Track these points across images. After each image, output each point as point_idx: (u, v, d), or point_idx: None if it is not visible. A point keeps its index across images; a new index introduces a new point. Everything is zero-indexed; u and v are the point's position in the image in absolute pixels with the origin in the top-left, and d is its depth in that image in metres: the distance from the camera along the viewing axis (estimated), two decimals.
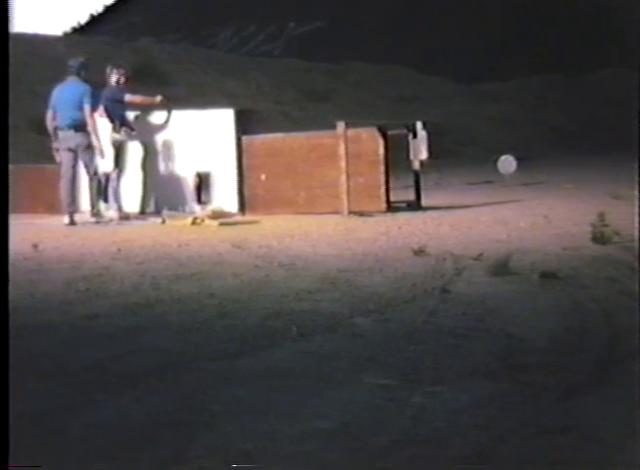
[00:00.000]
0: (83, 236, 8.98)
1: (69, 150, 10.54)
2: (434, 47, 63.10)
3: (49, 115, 10.70)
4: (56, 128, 10.63)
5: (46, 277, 6.07)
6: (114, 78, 11.18)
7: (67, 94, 10.56)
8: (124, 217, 10.85)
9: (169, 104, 11.76)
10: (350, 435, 2.81)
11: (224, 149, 11.10)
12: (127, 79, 11.40)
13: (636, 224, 6.51)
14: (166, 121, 11.42)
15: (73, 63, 10.82)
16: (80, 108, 10.43)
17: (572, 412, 2.99)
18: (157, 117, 11.56)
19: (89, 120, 10.48)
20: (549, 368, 3.49)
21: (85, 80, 10.64)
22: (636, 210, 7.06)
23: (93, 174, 10.62)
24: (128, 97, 11.18)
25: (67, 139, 10.52)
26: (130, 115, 11.41)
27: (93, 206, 10.65)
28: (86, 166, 10.60)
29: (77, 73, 10.65)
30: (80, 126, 10.46)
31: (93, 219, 10.50)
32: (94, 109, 10.59)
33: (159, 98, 11.47)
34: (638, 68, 22.37)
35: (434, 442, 2.74)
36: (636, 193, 7.91)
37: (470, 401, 3.10)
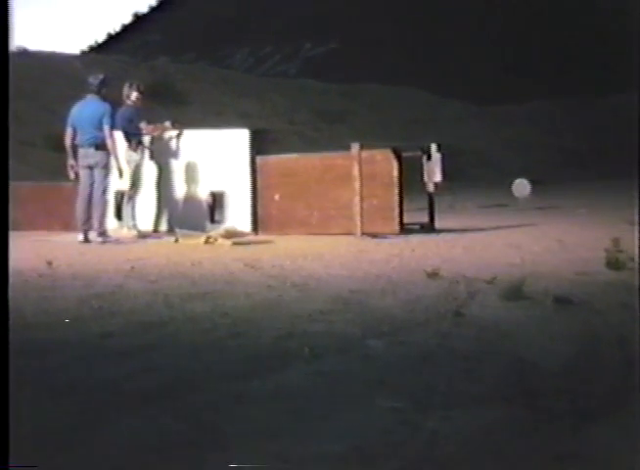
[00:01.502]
0: (97, 254, 9.01)
1: (88, 168, 10.57)
2: (448, 69, 63.19)
3: (68, 132, 10.73)
4: (74, 146, 10.65)
5: (60, 294, 6.09)
6: (131, 97, 11.25)
7: (87, 112, 10.58)
8: (141, 236, 10.85)
9: (180, 126, 11.84)
10: (362, 458, 2.80)
11: (238, 168, 11.14)
12: (143, 96, 11.47)
13: (636, 247, 6.48)
14: (177, 144, 11.49)
15: (93, 80, 10.81)
16: (101, 127, 10.45)
17: (586, 439, 2.97)
18: (170, 136, 11.63)
19: (109, 141, 10.50)
20: (562, 394, 3.47)
21: (104, 98, 10.67)
22: (636, 235, 7.04)
23: (102, 193, 10.57)
24: (143, 126, 11.26)
25: (86, 157, 10.55)
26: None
27: (100, 225, 10.55)
28: (98, 185, 10.54)
29: (98, 91, 10.67)
30: (101, 145, 10.49)
31: (99, 239, 10.39)
32: (113, 128, 10.63)
33: (167, 123, 11.59)
34: None
35: (447, 467, 2.73)
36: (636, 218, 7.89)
37: (482, 427, 3.09)
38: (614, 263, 6.58)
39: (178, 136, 11.56)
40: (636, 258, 6.64)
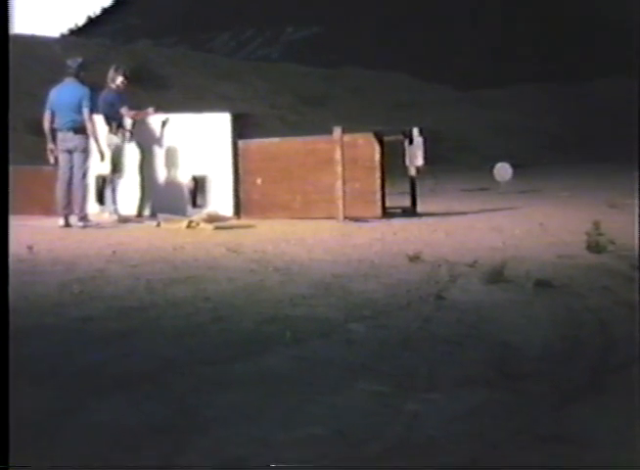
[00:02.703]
0: (78, 238, 8.96)
1: (67, 151, 10.50)
2: (431, 53, 63.16)
3: (46, 116, 10.64)
4: (53, 129, 10.58)
5: (40, 279, 6.06)
6: (116, 82, 11.15)
7: (65, 96, 10.50)
8: (123, 221, 10.80)
9: (162, 110, 11.76)
10: (344, 441, 2.81)
11: (220, 153, 11.10)
12: (127, 81, 11.39)
13: (635, 233, 6.51)
14: (162, 129, 11.43)
15: (72, 63, 10.72)
16: (79, 110, 10.38)
17: (567, 421, 2.99)
18: (153, 120, 11.57)
19: (89, 124, 10.42)
20: (543, 377, 3.49)
21: (83, 81, 10.59)
22: (636, 218, 7.07)
23: (82, 177, 10.51)
24: (124, 111, 11.17)
25: (65, 141, 10.48)
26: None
27: (81, 209, 10.48)
28: (77, 169, 10.48)
29: (76, 75, 10.58)
30: (80, 128, 10.41)
31: (80, 224, 10.33)
32: (92, 111, 10.54)
33: (151, 109, 11.51)
34: (638, 76, 22.43)
35: (429, 449, 2.74)
36: (635, 201, 7.93)
37: (464, 409, 3.10)
38: (594, 247, 6.62)
39: (164, 123, 11.46)
40: (617, 241, 6.68)
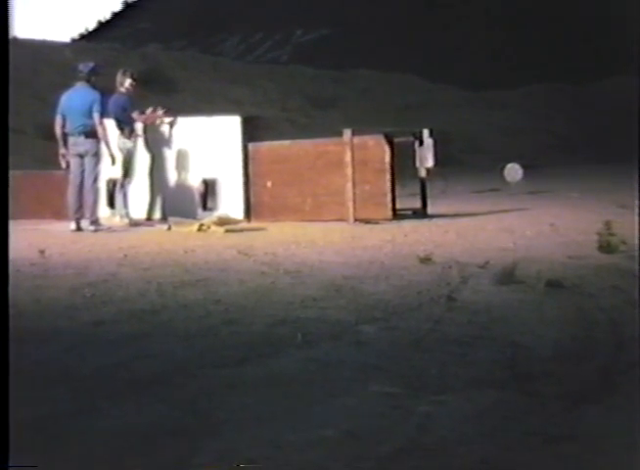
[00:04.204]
0: (89, 242, 8.99)
1: (78, 156, 10.53)
2: (441, 54, 63.13)
3: (57, 120, 10.67)
4: (65, 134, 10.61)
5: (52, 283, 6.08)
6: (124, 85, 11.17)
7: (76, 100, 10.53)
8: (134, 224, 10.83)
9: (173, 113, 11.79)
10: (355, 443, 2.81)
11: (230, 156, 11.11)
12: (137, 85, 11.41)
13: (637, 233, 6.50)
14: (170, 131, 11.45)
15: (83, 68, 10.75)
16: (90, 115, 10.41)
17: (578, 422, 2.98)
18: (164, 124, 11.60)
19: (99, 128, 10.45)
20: (555, 377, 3.49)
21: (94, 86, 10.62)
22: (636, 218, 7.06)
23: (93, 181, 10.53)
24: (135, 115, 11.20)
25: (76, 145, 10.51)
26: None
27: (92, 213, 10.50)
28: (89, 173, 10.50)
29: (87, 79, 10.61)
30: (90, 133, 10.44)
31: (92, 228, 10.35)
32: (103, 115, 10.57)
33: (160, 112, 11.53)
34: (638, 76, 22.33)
35: (440, 450, 2.74)
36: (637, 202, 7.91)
37: (475, 410, 3.10)
38: (606, 247, 6.60)
39: (171, 124, 11.50)
40: (628, 241, 6.65)
